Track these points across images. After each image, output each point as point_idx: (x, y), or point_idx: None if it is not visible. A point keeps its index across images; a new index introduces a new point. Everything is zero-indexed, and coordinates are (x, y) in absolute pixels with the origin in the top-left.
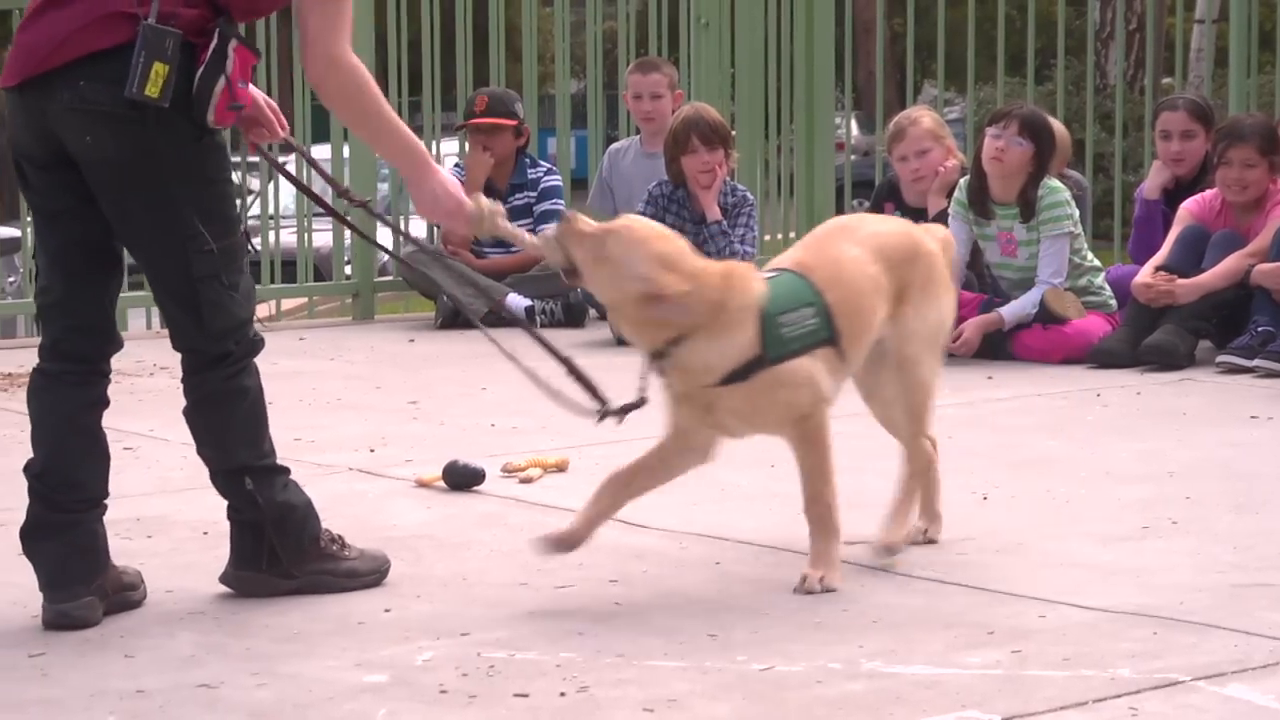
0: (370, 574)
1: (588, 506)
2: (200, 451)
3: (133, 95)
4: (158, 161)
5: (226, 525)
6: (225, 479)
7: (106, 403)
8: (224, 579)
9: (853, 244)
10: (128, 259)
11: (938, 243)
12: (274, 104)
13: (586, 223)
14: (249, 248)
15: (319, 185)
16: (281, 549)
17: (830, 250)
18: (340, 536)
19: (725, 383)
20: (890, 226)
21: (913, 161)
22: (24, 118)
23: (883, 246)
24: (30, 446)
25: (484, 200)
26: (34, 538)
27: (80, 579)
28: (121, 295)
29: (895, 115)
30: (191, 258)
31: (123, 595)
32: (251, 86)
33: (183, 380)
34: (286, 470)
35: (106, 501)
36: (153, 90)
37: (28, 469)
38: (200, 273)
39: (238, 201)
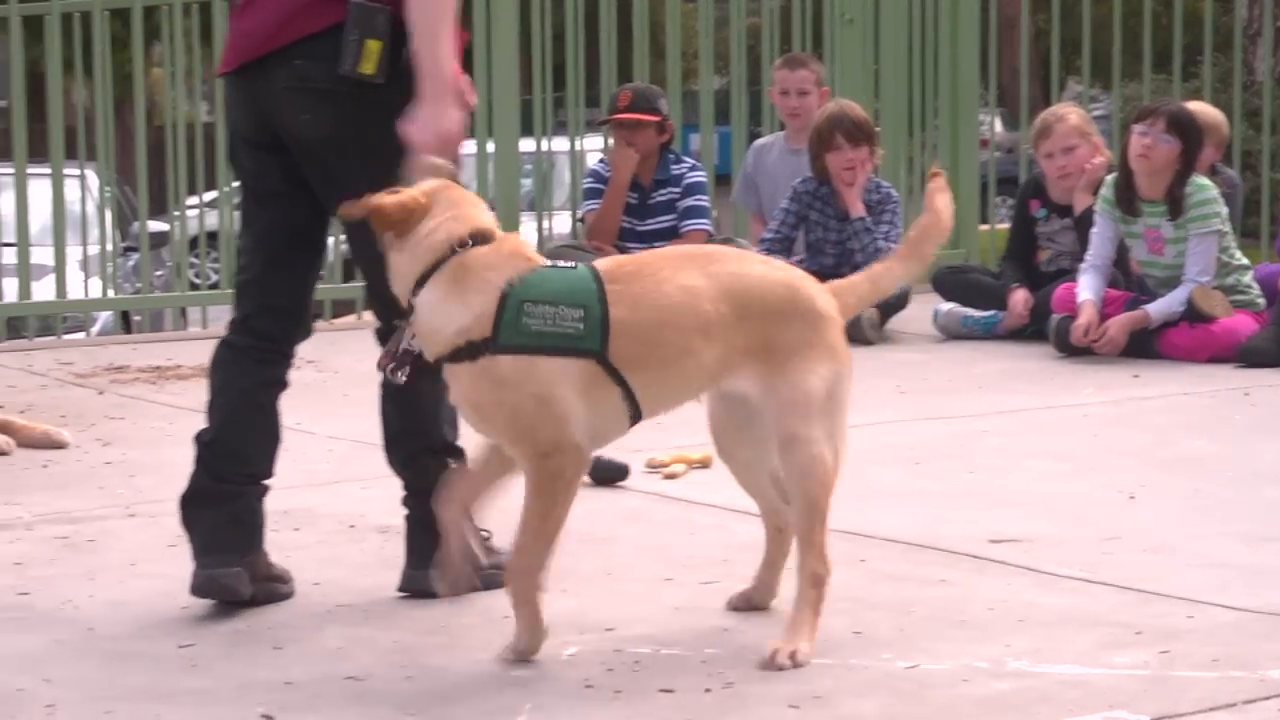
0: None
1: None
2: (398, 435)
3: (348, 72)
4: (372, 137)
5: (373, 519)
6: (430, 459)
7: (285, 385)
8: (406, 584)
9: (699, 274)
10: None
11: (837, 304)
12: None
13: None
14: None
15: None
16: (473, 539)
17: (660, 269)
18: (490, 532)
19: (451, 359)
20: (769, 272)
21: (1059, 158)
22: (243, 101)
23: (743, 290)
24: (206, 418)
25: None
26: (193, 504)
27: (233, 549)
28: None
29: (1040, 112)
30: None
31: (270, 585)
32: None
33: None
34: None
35: (269, 482)
36: (368, 67)
37: (199, 437)
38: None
39: None
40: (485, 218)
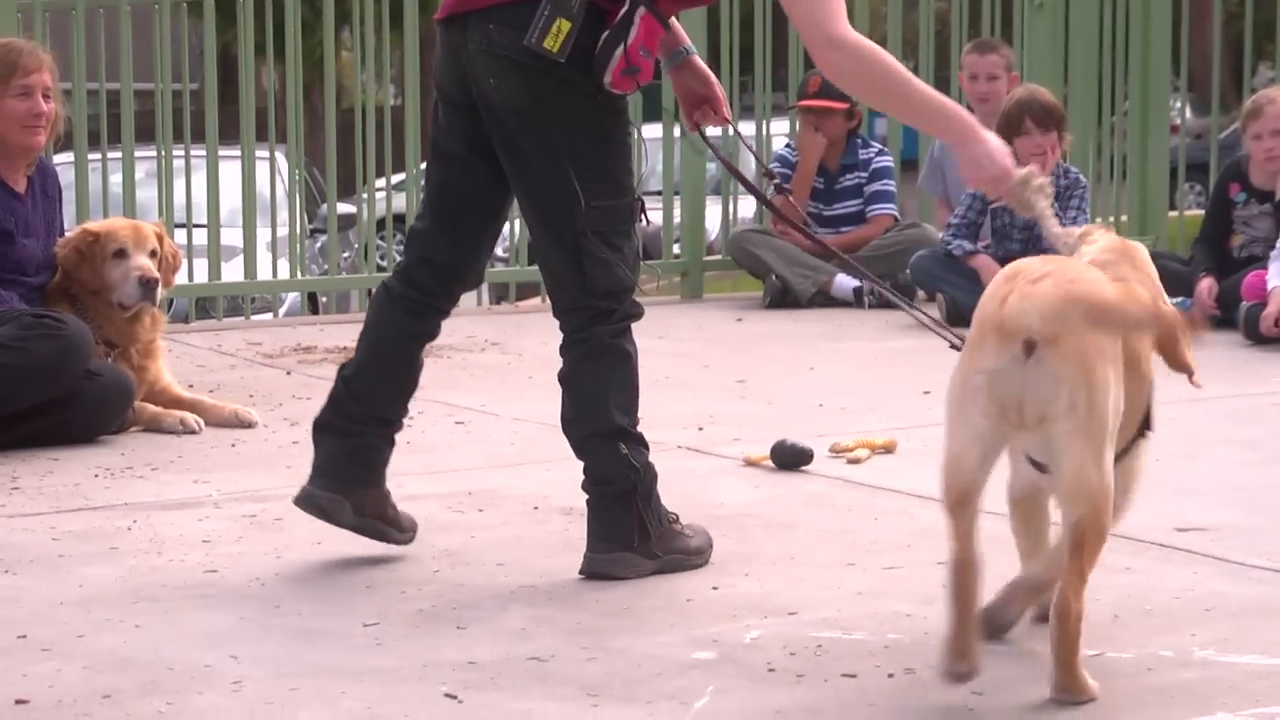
0: (708, 550)
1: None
2: (571, 420)
3: (531, 44)
4: (552, 113)
5: (557, 501)
6: (600, 444)
7: (432, 338)
8: (588, 567)
9: None
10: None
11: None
12: (719, 86)
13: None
14: (642, 217)
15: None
16: (649, 522)
17: None
18: (676, 515)
19: None
20: None
21: (1267, 141)
22: (446, 53)
23: None
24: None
25: (1028, 171)
26: (320, 429)
27: (342, 478)
28: None
29: (1230, 97)
30: (575, 211)
31: (379, 524)
32: (703, 67)
33: (562, 345)
34: (649, 447)
35: (397, 429)
36: (551, 43)
37: (341, 369)
38: (584, 227)
39: (635, 169)
40: None
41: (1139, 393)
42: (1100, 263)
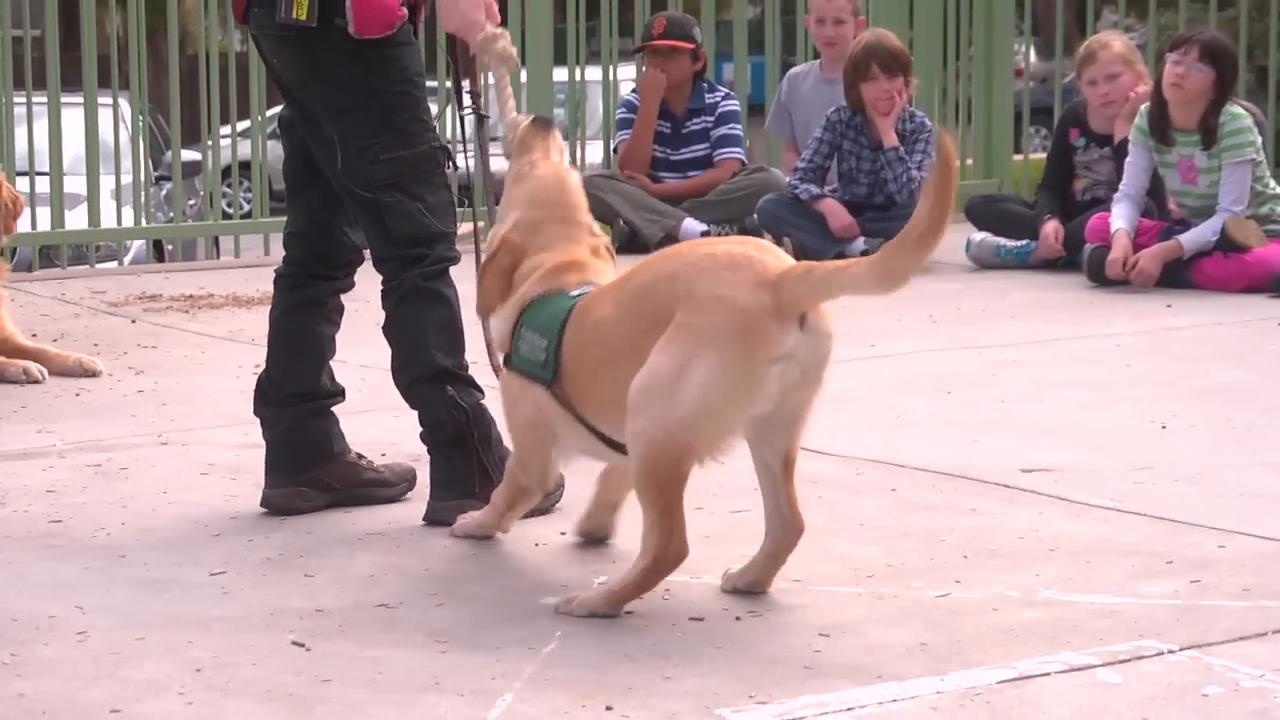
0: (557, 493)
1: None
2: (397, 368)
3: (283, 19)
4: (321, 76)
5: (405, 448)
6: (426, 387)
7: (323, 305)
8: (429, 514)
9: (638, 299)
10: None
11: (776, 298)
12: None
13: (540, 145)
14: (448, 163)
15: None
16: (490, 468)
17: (607, 298)
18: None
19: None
20: (679, 268)
21: (1102, 86)
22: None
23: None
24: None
25: (498, 31)
26: (260, 427)
27: (286, 468)
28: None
29: (1074, 42)
30: (364, 167)
31: (360, 491)
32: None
33: (381, 296)
34: (483, 391)
35: (328, 399)
36: (299, 13)
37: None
38: (377, 180)
39: (425, 116)
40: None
41: None
42: (530, 225)
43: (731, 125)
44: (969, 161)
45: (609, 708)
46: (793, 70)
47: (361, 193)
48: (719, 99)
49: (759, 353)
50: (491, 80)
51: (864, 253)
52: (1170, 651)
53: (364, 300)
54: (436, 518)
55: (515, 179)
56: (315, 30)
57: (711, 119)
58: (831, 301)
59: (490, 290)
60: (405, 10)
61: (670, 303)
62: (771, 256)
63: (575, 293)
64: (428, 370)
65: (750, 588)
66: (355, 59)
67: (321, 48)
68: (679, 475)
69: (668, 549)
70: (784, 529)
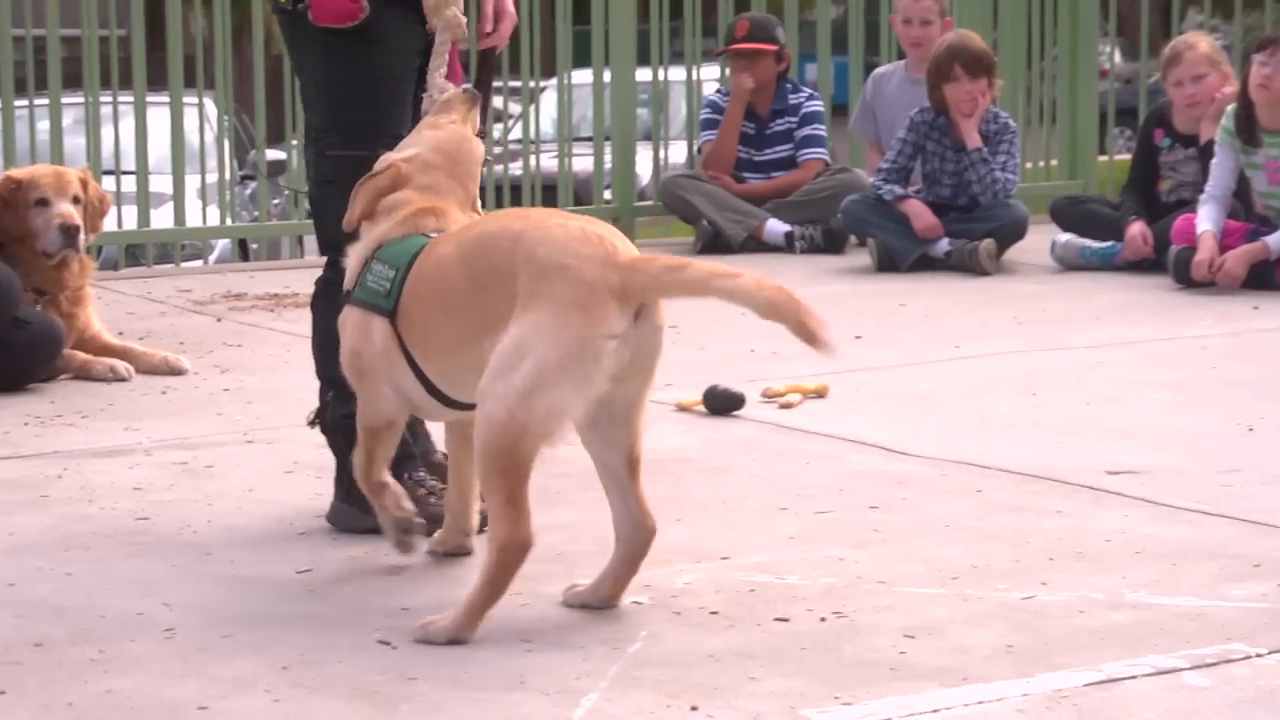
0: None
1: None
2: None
3: (273, 2)
4: (299, 61)
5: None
6: (322, 392)
7: None
8: (329, 515)
9: (476, 246)
10: None
11: (622, 277)
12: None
13: (461, 112)
14: None
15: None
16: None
17: (449, 241)
18: (435, 486)
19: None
20: (527, 229)
21: (1188, 87)
22: None
23: (484, 259)
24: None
25: None
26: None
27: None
28: None
29: (1159, 42)
30: (316, 159)
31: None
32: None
33: None
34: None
35: None
36: None
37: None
38: (321, 175)
39: (386, 120)
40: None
41: None
42: (423, 163)
43: (815, 126)
44: (1053, 162)
45: (694, 708)
46: (877, 70)
47: (310, 184)
48: (803, 100)
49: (597, 327)
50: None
51: (948, 254)
52: (1258, 655)
53: None
54: (335, 520)
55: (429, 125)
56: (293, 13)
57: (795, 120)
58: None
59: (360, 205)
60: (366, 6)
61: (510, 261)
62: (622, 243)
63: (432, 234)
64: (321, 374)
65: (603, 603)
66: (323, 47)
67: (299, 31)
68: (518, 458)
69: (511, 540)
70: (636, 532)
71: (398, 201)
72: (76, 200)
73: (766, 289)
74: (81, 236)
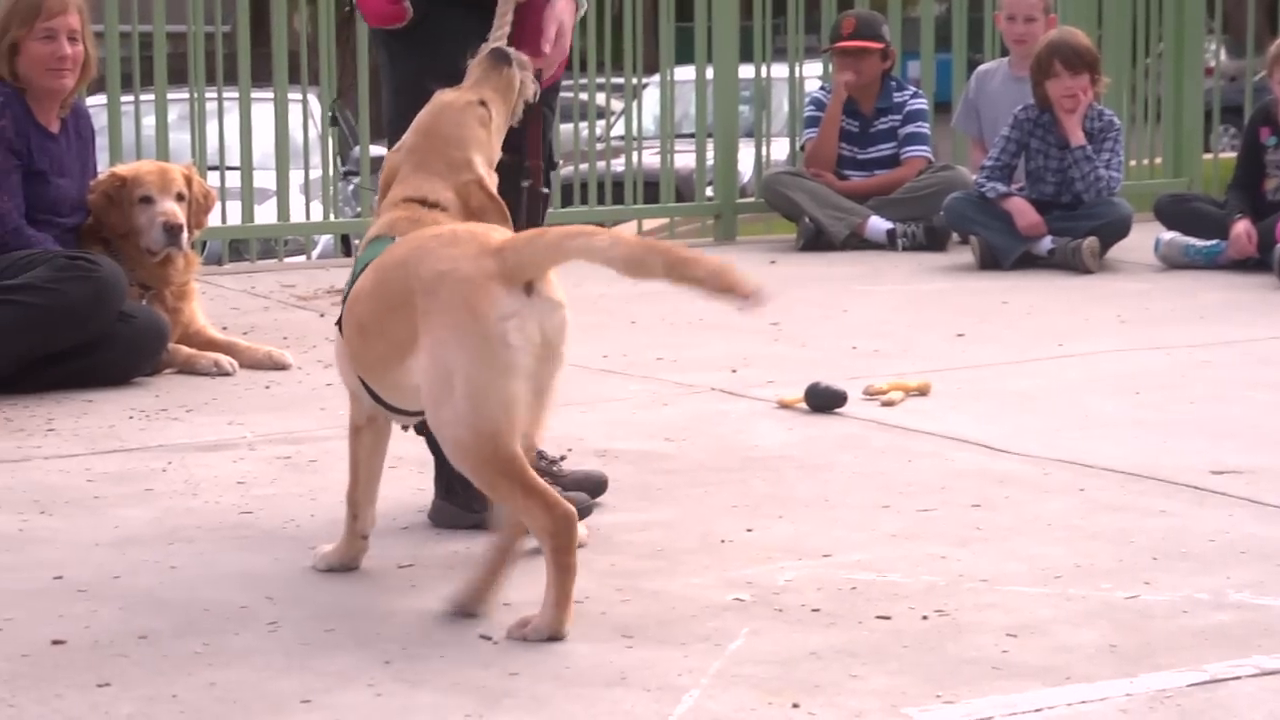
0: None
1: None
2: None
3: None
4: (379, 64)
5: (591, 443)
6: None
7: None
8: (430, 513)
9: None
10: None
11: (497, 264)
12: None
13: (475, 75)
14: None
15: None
16: (457, 479)
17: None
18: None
19: None
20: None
21: None
22: None
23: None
24: None
25: None
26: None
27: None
28: None
29: (1266, 40)
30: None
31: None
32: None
33: None
34: None
35: None
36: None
37: None
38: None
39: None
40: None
41: None
42: (408, 149)
43: (919, 123)
44: (1158, 160)
45: (795, 705)
46: (981, 67)
47: None
48: (907, 98)
49: (488, 314)
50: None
51: (1051, 252)
52: None
53: None
54: (434, 517)
55: (428, 103)
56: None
57: (899, 118)
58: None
59: (379, 203)
60: (409, 8)
61: (405, 288)
62: (497, 231)
63: (397, 239)
64: None
65: (472, 607)
66: (385, 48)
67: (372, 33)
68: (504, 458)
69: (552, 521)
70: (511, 530)
71: (390, 198)
72: (181, 197)
73: (623, 244)
74: (185, 234)
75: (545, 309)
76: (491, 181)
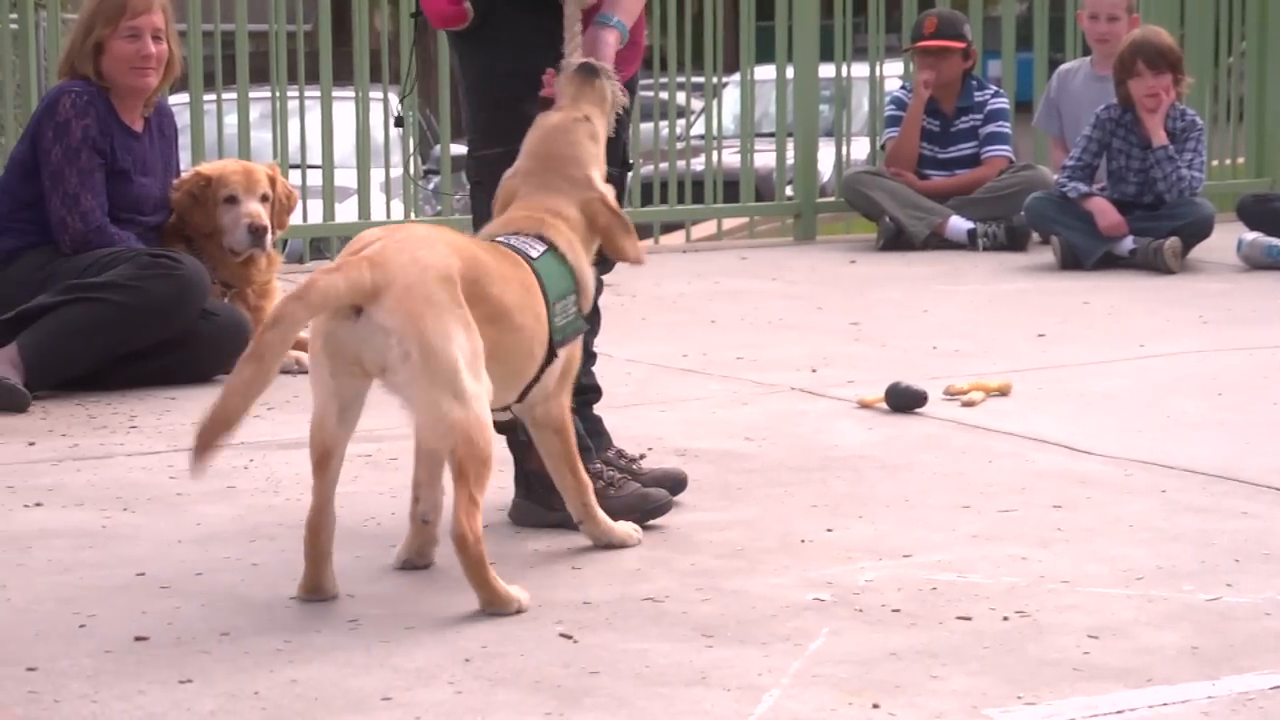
0: (624, 515)
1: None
2: None
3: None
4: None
5: (671, 442)
6: None
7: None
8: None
9: None
10: None
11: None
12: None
13: (569, 94)
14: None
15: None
16: (536, 478)
17: None
18: (614, 477)
19: None
20: None
21: None
22: None
23: None
24: None
25: None
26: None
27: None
28: None
29: None
30: (466, 159)
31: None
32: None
33: None
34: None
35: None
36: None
37: None
38: (470, 176)
39: (503, 116)
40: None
41: (514, 339)
42: (524, 174)
43: (1000, 123)
44: (1240, 160)
45: (875, 705)
46: (1063, 67)
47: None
48: (988, 97)
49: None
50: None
51: (1132, 252)
52: None
53: (630, 295)
54: (514, 516)
55: (534, 124)
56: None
57: (980, 117)
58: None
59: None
60: (470, 9)
61: None
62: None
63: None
64: None
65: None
66: (456, 50)
67: (447, 35)
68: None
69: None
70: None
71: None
72: (265, 198)
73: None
74: (269, 236)
75: (367, 332)
76: (611, 196)
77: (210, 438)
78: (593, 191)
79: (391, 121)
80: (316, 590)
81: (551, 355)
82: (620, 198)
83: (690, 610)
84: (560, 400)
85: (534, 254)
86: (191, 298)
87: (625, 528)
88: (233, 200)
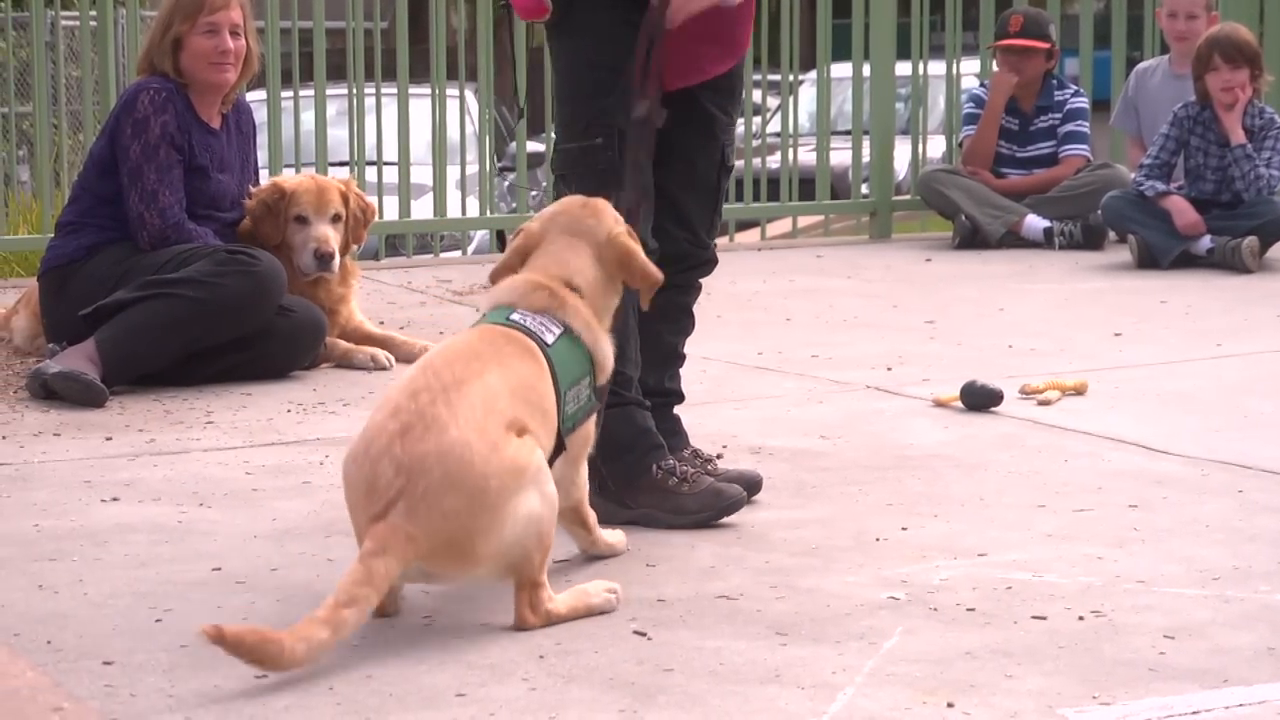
0: (699, 511)
1: None
2: None
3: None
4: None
5: (745, 440)
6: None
7: (667, 306)
8: None
9: None
10: None
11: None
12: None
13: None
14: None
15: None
16: (610, 476)
17: None
18: (688, 473)
19: None
20: None
21: None
22: None
23: None
24: None
25: None
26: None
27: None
28: None
29: None
30: (553, 153)
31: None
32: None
33: None
34: (622, 398)
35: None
36: None
37: None
38: (556, 170)
39: (588, 109)
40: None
41: None
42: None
43: (1079, 122)
44: None
45: (950, 704)
46: (1141, 65)
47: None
48: (1068, 96)
49: None
50: None
51: (1210, 251)
52: None
53: (705, 293)
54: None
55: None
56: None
57: (1059, 116)
58: None
59: (503, 266)
60: (548, 2)
61: None
62: None
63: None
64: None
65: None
66: (547, 43)
67: (543, 29)
68: None
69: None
70: None
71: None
72: (337, 218)
73: None
74: (335, 260)
75: None
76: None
77: (244, 653)
78: (618, 227)
79: (474, 117)
80: (379, 612)
81: (560, 447)
82: (719, 201)
83: (764, 608)
84: (576, 483)
85: (549, 339)
86: (268, 294)
87: (614, 536)
88: (302, 220)
